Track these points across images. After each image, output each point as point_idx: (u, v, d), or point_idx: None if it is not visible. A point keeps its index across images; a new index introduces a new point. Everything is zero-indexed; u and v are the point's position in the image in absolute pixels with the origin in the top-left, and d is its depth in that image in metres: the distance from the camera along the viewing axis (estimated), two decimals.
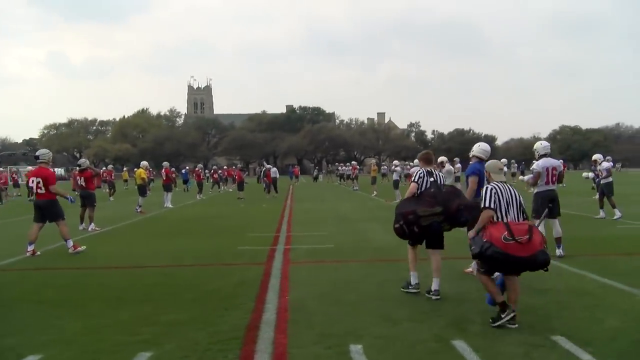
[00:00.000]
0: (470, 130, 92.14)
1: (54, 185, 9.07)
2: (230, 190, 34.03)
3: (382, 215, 15.12)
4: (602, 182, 13.06)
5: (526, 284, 6.10)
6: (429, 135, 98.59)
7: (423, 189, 5.68)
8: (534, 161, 8.04)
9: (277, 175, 26.51)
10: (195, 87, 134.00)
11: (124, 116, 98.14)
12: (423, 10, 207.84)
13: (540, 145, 7.98)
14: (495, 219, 4.66)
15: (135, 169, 23.16)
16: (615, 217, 12.48)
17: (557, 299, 5.51)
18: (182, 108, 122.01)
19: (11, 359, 4.07)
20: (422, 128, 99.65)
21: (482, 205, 4.73)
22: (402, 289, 5.86)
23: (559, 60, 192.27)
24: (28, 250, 8.80)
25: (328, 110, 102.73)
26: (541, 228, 7.60)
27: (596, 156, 14.10)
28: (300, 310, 5.24)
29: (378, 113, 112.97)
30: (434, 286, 5.57)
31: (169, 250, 9.36)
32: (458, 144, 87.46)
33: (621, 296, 5.60)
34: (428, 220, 5.41)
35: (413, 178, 5.86)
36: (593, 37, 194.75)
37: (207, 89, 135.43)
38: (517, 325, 4.47)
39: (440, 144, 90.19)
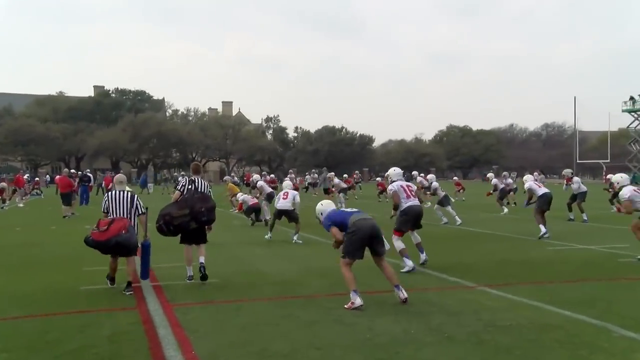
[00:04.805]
0: (343, 128, 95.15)
1: None
2: (21, 205, 31.66)
3: (259, 236, 15.34)
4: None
5: (486, 319, 6.74)
6: (291, 134, 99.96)
7: (185, 194, 9.10)
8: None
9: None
10: None
11: None
12: None
13: (394, 172, 11.20)
14: (110, 215, 8.56)
15: None
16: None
17: (526, 337, 6.11)
18: None
19: None
20: (282, 124, 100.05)
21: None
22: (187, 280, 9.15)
23: (448, 48, 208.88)
24: None
25: (156, 95, 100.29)
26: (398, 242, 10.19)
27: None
28: None
29: (223, 102, 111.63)
30: (201, 259, 9.14)
31: None
32: (328, 144, 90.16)
33: (595, 332, 6.35)
34: (178, 220, 8.81)
35: (177, 186, 9.36)
36: (480, 21, 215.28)
37: None
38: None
39: (305, 145, 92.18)
